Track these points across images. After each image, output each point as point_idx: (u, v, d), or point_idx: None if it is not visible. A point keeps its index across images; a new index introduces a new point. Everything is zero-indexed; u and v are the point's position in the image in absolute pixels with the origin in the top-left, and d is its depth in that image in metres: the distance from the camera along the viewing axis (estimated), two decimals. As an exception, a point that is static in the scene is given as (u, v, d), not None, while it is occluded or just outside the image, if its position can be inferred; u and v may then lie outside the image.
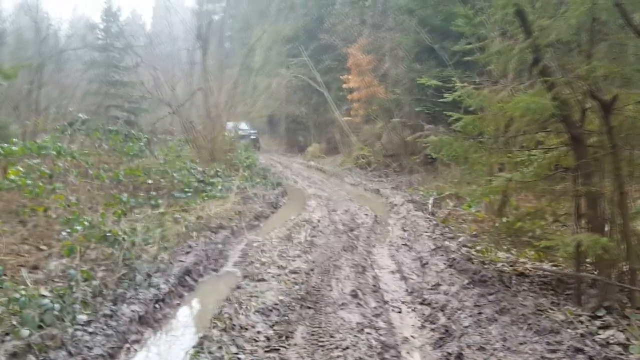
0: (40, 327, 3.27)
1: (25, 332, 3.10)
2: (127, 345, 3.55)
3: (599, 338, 3.37)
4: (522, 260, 5.43)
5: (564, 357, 3.12)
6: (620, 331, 3.42)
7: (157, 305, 4.23)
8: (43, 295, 3.68)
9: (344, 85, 18.35)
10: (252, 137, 24.10)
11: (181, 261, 5.22)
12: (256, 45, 20.35)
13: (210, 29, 16.51)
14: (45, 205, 5.83)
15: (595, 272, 4.08)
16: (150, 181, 8.09)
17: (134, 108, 21.67)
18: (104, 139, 9.30)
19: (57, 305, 3.52)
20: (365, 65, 17.33)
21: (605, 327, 3.53)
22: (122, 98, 21.56)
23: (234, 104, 15.74)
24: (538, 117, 4.25)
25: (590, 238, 3.43)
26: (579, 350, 3.16)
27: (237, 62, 19.14)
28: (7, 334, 3.13)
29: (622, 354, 3.13)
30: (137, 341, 3.66)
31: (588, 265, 4.28)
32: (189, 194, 8.45)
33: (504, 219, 6.13)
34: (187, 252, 5.55)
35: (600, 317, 3.69)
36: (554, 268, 4.96)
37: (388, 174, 14.71)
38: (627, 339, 3.31)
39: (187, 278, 5.01)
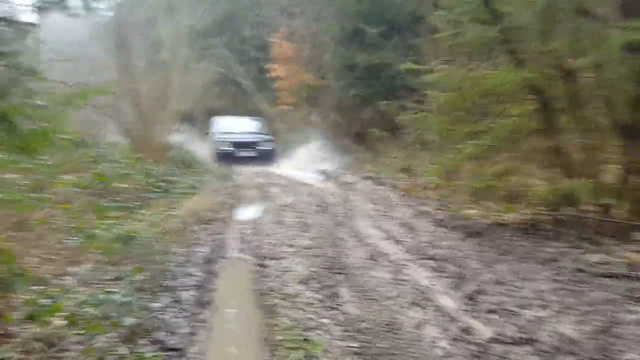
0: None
1: (129, 320, 3.38)
2: (199, 324, 3.89)
3: (588, 261, 4.24)
4: (491, 214, 6.32)
5: (570, 277, 3.94)
6: (603, 254, 4.31)
7: (200, 291, 4.57)
8: (109, 292, 3.91)
9: (270, 75, 18.73)
10: (260, 146, 15.79)
11: (198, 251, 5.53)
12: (166, 41, 20.06)
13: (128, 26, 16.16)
14: (41, 217, 5.84)
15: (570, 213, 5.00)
16: (121, 185, 8.13)
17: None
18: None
19: (129, 299, 3.79)
20: (290, 53, 17.82)
21: (588, 252, 4.42)
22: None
23: (165, 102, 15.62)
24: (509, 89, 5.04)
25: (577, 182, 4.25)
26: (579, 270, 3.99)
27: (156, 60, 18.87)
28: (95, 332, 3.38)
29: (611, 269, 4.00)
30: (204, 320, 4.00)
31: (558, 208, 5.20)
32: (160, 194, 8.58)
33: (463, 182, 7.02)
34: (198, 244, 5.84)
35: (581, 246, 4.58)
36: (532, 214, 5.87)
37: (326, 157, 15.36)
38: (610, 259, 4.20)
39: (209, 265, 5.34)
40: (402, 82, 12.28)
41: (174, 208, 7.72)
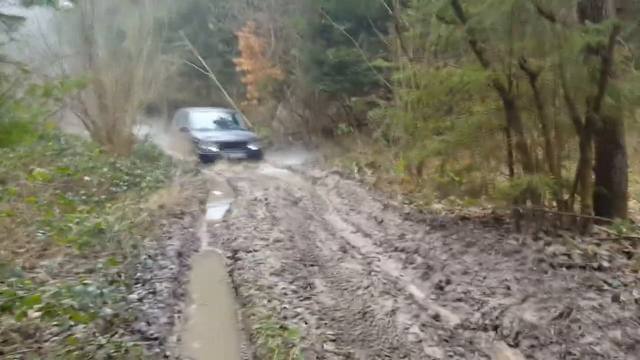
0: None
1: (108, 311, 3.40)
2: (176, 315, 3.94)
3: (548, 252, 4.48)
4: (455, 208, 6.55)
5: (532, 267, 4.16)
6: (561, 245, 4.56)
7: (175, 283, 4.60)
8: (85, 284, 3.90)
9: (238, 69, 18.62)
10: (249, 146, 14.22)
11: (170, 245, 5.54)
12: (130, 31, 19.71)
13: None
14: (7, 210, 5.73)
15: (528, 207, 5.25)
16: (87, 178, 8.02)
17: None
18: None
19: (106, 290, 3.79)
20: (257, 47, 17.78)
21: (548, 244, 4.65)
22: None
23: (128, 94, 15.35)
24: (475, 87, 5.25)
25: (538, 178, 4.48)
26: (541, 261, 4.22)
27: (119, 50, 18.50)
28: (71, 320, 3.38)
29: (569, 260, 4.23)
30: (180, 311, 4.05)
31: (519, 203, 5.44)
32: (125, 188, 8.49)
33: (428, 177, 7.25)
34: (169, 237, 5.85)
35: (540, 238, 4.83)
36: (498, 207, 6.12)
37: (293, 152, 15.44)
38: (568, 250, 4.45)
39: (181, 259, 5.36)
40: (368, 78, 12.49)
41: (142, 202, 7.66)
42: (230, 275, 4.88)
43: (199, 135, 13.95)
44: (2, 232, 5.35)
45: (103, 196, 7.51)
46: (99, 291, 3.82)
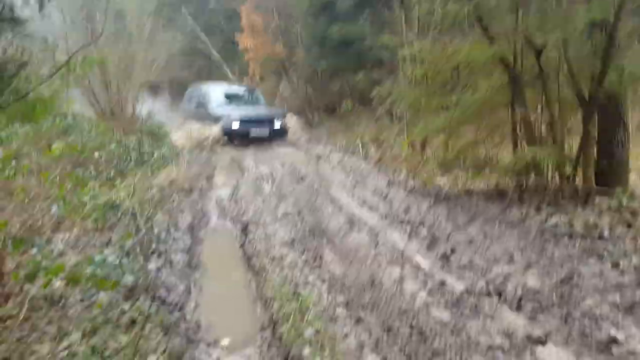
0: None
1: (129, 278, 3.55)
2: (192, 284, 4.10)
3: (550, 223, 4.63)
4: (459, 182, 6.68)
5: (535, 237, 4.31)
6: (563, 216, 4.70)
7: (189, 254, 4.76)
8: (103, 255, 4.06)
9: (240, 46, 18.59)
10: (274, 123, 12.72)
11: (182, 219, 5.69)
12: (132, 10, 19.64)
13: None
14: (21, 185, 5.87)
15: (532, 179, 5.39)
16: (96, 154, 8.15)
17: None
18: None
19: (124, 261, 3.96)
20: (259, 24, 17.72)
21: (550, 215, 4.80)
22: None
23: (131, 72, 15.40)
24: (481, 64, 5.33)
25: (542, 150, 4.60)
26: (543, 231, 4.37)
27: (121, 30, 18.45)
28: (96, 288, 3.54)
29: (571, 230, 4.38)
30: (195, 281, 4.21)
31: (522, 176, 5.58)
32: (135, 164, 8.62)
33: (432, 152, 7.37)
34: (181, 211, 6.00)
35: (543, 210, 4.97)
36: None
37: (298, 129, 15.48)
38: (570, 221, 4.59)
39: (193, 232, 5.52)
40: (372, 55, 12.50)
41: (151, 178, 7.80)
42: (241, 247, 5.03)
43: (220, 111, 12.65)
44: (17, 206, 5.49)
45: (112, 172, 7.66)
46: (117, 261, 4.00)
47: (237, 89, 15.06)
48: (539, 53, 4.82)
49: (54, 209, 5.43)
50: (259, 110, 13.39)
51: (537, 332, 3.02)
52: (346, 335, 2.97)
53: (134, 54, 15.54)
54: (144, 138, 11.93)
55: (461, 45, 5.31)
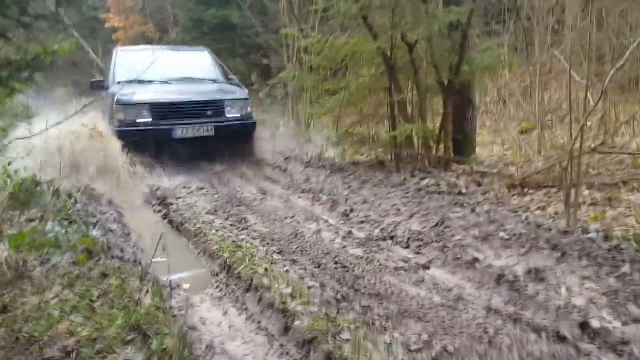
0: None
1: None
2: (135, 247, 4.62)
3: (423, 184, 5.87)
4: (345, 156, 7.80)
5: (413, 195, 5.50)
6: (432, 179, 5.98)
7: (121, 224, 5.22)
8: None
9: (107, 25, 18.02)
10: (212, 117, 7.48)
11: (97, 193, 6.04)
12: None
13: None
14: None
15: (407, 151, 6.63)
16: None
17: None
18: None
19: (70, 230, 4.36)
20: (129, 3, 17.36)
21: (422, 179, 6.05)
22: None
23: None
24: (365, 55, 6.40)
25: (414, 126, 5.80)
26: (419, 190, 5.58)
27: None
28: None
29: (438, 188, 5.65)
30: (136, 244, 4.72)
31: (397, 148, 6.81)
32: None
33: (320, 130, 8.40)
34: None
35: (416, 175, 6.22)
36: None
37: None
38: (437, 182, 5.87)
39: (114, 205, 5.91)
40: (251, 40, 13.19)
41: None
42: (164, 218, 5.58)
43: (124, 91, 7.33)
44: None
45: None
46: (64, 230, 4.39)
47: (172, 53, 8.94)
48: (411, 47, 5.98)
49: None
50: (196, 88, 7.87)
51: (423, 260, 4.12)
52: (287, 271, 3.81)
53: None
54: None
55: (350, 39, 6.33)
